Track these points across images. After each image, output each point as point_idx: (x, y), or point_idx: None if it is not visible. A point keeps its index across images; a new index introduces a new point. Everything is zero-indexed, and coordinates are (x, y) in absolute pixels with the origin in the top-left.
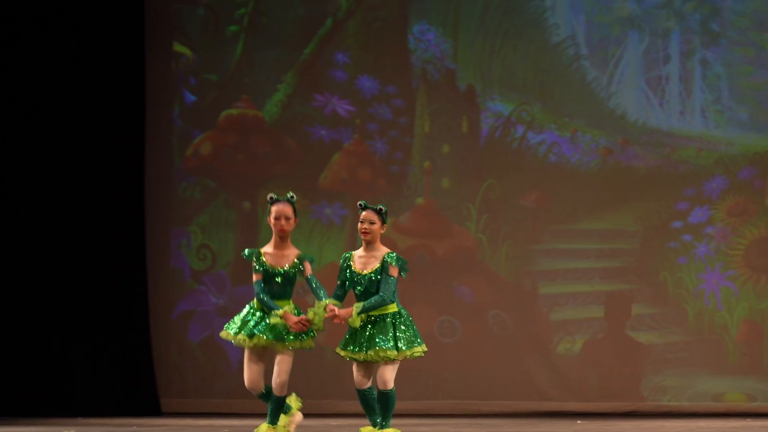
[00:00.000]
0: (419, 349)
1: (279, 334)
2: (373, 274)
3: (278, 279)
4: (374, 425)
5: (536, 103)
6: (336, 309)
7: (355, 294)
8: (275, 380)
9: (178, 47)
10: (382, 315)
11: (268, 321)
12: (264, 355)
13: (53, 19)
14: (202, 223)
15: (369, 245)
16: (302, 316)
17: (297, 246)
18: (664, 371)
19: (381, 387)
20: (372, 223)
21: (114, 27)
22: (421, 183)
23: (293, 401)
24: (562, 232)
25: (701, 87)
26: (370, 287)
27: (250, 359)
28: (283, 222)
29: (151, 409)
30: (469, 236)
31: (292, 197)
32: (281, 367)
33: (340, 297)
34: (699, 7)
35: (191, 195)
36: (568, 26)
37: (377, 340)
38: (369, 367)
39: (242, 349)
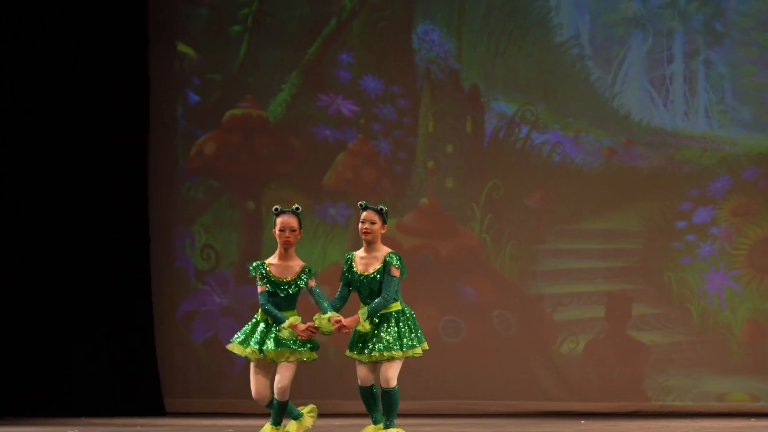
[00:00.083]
0: (420, 349)
1: (286, 345)
2: (375, 275)
3: (283, 291)
4: (374, 422)
5: (540, 103)
6: (342, 319)
7: (360, 296)
8: (276, 385)
9: (182, 47)
10: (386, 314)
11: (276, 333)
12: (271, 366)
13: (57, 19)
14: (205, 223)
15: (370, 245)
16: (309, 324)
17: (301, 247)
18: (668, 371)
19: (384, 385)
20: (373, 223)
21: (118, 27)
22: (425, 183)
23: (309, 416)
24: (565, 232)
25: (705, 87)
26: (373, 288)
27: (256, 371)
28: (288, 234)
29: (155, 409)
30: (473, 236)
31: (297, 209)
32: (283, 373)
33: (344, 298)
34: (703, 8)
35: (195, 195)
36: (572, 26)
37: (381, 339)
38: (374, 364)
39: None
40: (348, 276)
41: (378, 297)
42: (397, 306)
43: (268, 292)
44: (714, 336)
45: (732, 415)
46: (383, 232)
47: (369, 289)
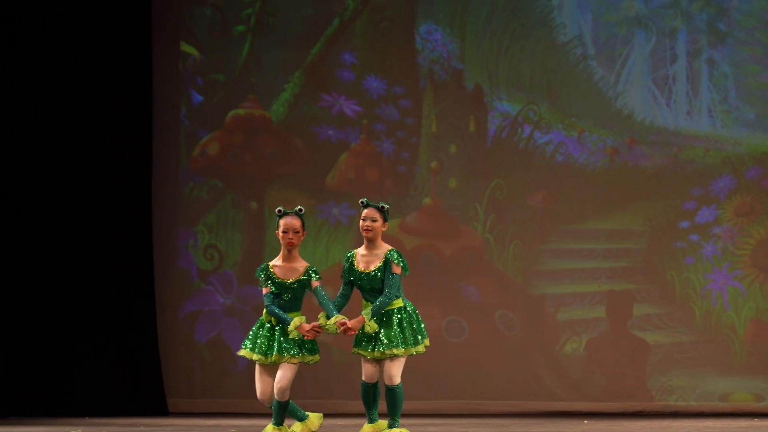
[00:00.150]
0: (422, 346)
1: (288, 351)
2: (376, 273)
3: (287, 292)
4: (370, 421)
5: (543, 103)
6: (347, 322)
7: (362, 293)
8: (276, 384)
9: (186, 47)
10: (388, 311)
11: (279, 338)
12: (276, 368)
13: (60, 19)
14: (209, 223)
15: (371, 243)
16: (314, 323)
17: (305, 247)
18: (672, 371)
19: (388, 383)
20: (374, 220)
21: (121, 27)
22: (428, 183)
23: (315, 419)
24: (569, 232)
25: (708, 86)
26: (375, 285)
27: (261, 372)
28: (291, 235)
29: (159, 409)
30: (476, 236)
31: (300, 210)
32: (283, 373)
33: (347, 296)
34: (706, 7)
35: (198, 195)
36: (575, 26)
37: (383, 337)
38: (380, 361)
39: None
40: (349, 274)
41: (380, 294)
42: (399, 303)
43: (272, 293)
44: (717, 336)
45: (735, 415)
46: (384, 229)
47: (370, 286)
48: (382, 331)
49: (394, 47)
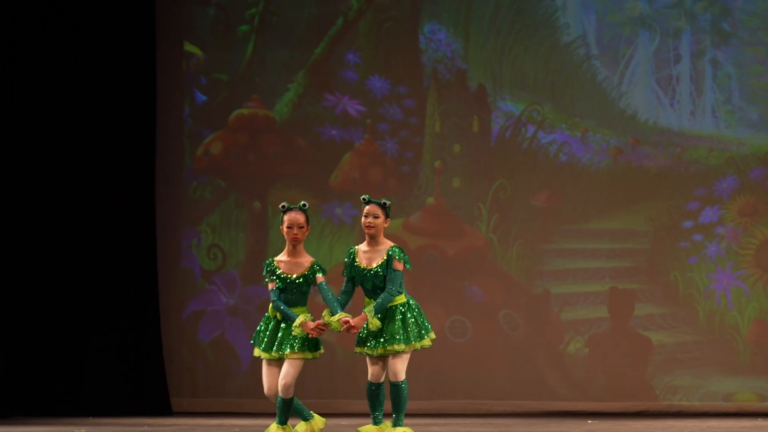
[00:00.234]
0: (427, 341)
1: (292, 345)
2: (379, 269)
3: (293, 287)
4: (375, 422)
5: (547, 103)
6: (350, 320)
7: (364, 289)
8: (280, 381)
9: (189, 47)
10: (391, 308)
11: (282, 336)
12: (282, 363)
13: (64, 18)
14: (212, 222)
15: (373, 239)
16: (319, 321)
17: (308, 246)
18: (675, 371)
19: (392, 379)
20: (376, 217)
21: (125, 27)
22: (432, 183)
23: (320, 421)
24: (572, 232)
25: (712, 87)
26: (377, 282)
27: (269, 367)
28: (295, 230)
29: (162, 408)
30: (479, 236)
31: (304, 205)
32: (288, 369)
33: (349, 292)
34: (710, 7)
35: (202, 195)
36: (578, 26)
37: (386, 334)
38: (385, 360)
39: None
40: (351, 270)
41: (382, 291)
42: (401, 299)
43: (278, 288)
44: (721, 336)
45: (739, 414)
46: (386, 225)
47: (372, 283)
48: (385, 328)
49: (397, 47)
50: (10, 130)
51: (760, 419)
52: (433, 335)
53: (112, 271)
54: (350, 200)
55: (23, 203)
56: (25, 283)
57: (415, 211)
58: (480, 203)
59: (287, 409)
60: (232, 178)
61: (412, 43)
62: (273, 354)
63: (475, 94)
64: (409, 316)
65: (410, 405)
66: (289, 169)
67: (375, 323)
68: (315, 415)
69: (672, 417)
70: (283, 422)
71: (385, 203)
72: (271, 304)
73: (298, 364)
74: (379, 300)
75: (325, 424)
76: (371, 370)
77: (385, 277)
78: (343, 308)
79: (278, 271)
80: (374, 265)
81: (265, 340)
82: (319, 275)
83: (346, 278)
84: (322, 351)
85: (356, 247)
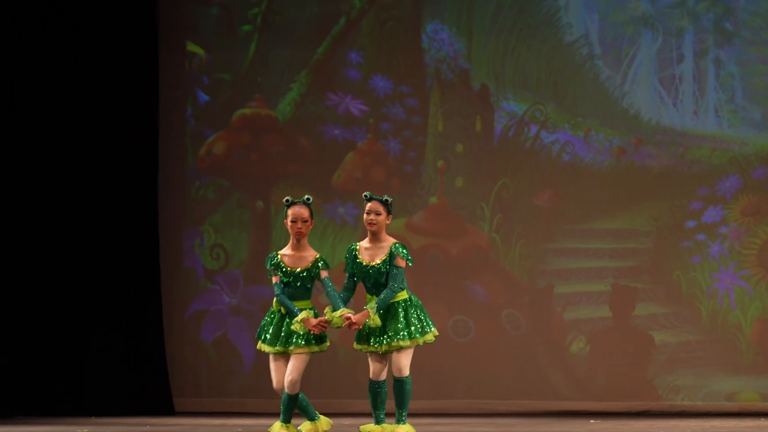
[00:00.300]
0: (431, 335)
1: (296, 341)
2: (381, 266)
3: (296, 281)
4: (377, 422)
5: (550, 103)
6: (351, 316)
7: (365, 286)
8: (287, 377)
9: (192, 47)
10: (393, 304)
11: (286, 331)
12: (288, 356)
13: (66, 18)
14: (215, 222)
15: (375, 236)
16: (321, 318)
17: (310, 245)
18: (678, 371)
19: (396, 374)
20: (378, 214)
21: (127, 27)
22: (435, 182)
23: (325, 423)
24: (575, 232)
25: (715, 86)
26: (379, 278)
27: (276, 360)
28: (299, 225)
29: (165, 408)
30: (482, 236)
31: (308, 199)
32: (294, 365)
33: (351, 289)
34: (712, 7)
35: (204, 195)
36: (581, 25)
37: (389, 330)
38: (387, 357)
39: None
40: (352, 266)
41: (383, 287)
42: (403, 295)
43: (282, 282)
44: (724, 335)
45: (742, 414)
46: (388, 222)
47: (374, 280)
48: (387, 324)
49: (400, 46)
50: (11, 130)
51: (763, 419)
52: (435, 331)
53: (115, 270)
54: (353, 200)
55: (24, 203)
56: (27, 283)
57: (417, 210)
58: (483, 203)
59: (292, 407)
60: (235, 177)
61: (415, 42)
62: (278, 347)
63: (478, 94)
64: (411, 311)
65: (413, 404)
66: (292, 168)
67: (376, 320)
68: (321, 416)
69: (675, 417)
70: (286, 421)
71: (387, 200)
72: (275, 298)
73: (305, 358)
74: (381, 296)
75: (331, 425)
76: (373, 368)
77: (387, 273)
78: (346, 304)
79: (282, 265)
80: (377, 262)
81: (270, 333)
82: (323, 270)
83: (347, 275)
84: (328, 344)
85: (358, 243)
